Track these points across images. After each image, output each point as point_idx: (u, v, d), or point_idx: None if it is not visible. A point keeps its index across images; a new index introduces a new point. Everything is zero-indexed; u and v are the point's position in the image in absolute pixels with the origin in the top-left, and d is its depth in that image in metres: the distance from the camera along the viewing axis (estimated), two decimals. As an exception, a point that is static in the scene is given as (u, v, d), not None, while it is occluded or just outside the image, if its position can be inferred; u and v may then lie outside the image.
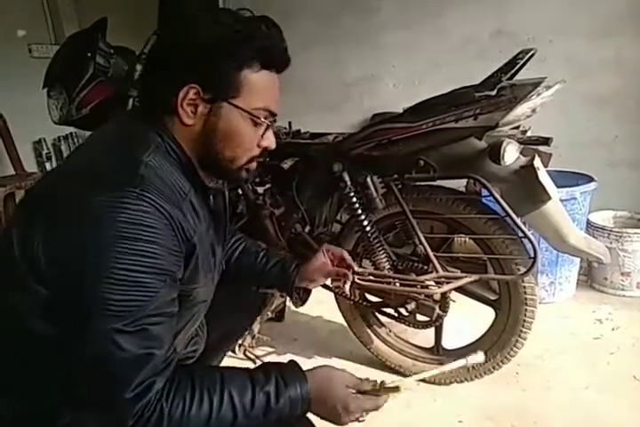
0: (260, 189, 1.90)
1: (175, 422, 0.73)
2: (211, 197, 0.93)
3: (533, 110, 1.31)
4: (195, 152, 0.85)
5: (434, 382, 1.70)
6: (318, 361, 1.88)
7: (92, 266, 0.69)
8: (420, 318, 1.60)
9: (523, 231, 1.37)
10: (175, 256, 0.76)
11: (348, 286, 1.16)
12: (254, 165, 0.91)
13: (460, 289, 1.55)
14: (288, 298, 1.22)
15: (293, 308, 2.21)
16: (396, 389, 0.85)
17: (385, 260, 1.59)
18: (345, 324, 1.87)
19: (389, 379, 0.89)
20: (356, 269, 1.15)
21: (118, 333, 0.69)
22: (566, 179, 2.16)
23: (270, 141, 0.89)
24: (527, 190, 1.31)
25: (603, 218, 2.42)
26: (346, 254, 1.17)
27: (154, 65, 0.86)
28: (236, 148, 0.85)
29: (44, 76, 1.83)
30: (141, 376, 0.71)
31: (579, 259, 2.25)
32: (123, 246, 0.69)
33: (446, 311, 1.54)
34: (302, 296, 1.23)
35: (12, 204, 2.95)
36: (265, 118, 0.85)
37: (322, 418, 0.86)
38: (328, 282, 1.28)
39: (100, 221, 0.69)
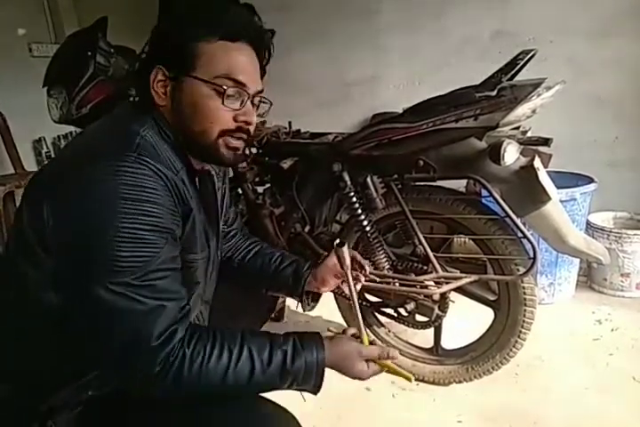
0: (260, 189, 1.90)
1: (195, 370, 0.76)
2: (196, 180, 0.92)
3: (534, 111, 1.31)
4: (176, 132, 0.87)
5: (433, 383, 1.70)
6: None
7: (97, 227, 0.73)
8: (419, 318, 1.60)
9: (522, 232, 1.37)
10: (173, 216, 0.80)
11: (359, 287, 1.12)
12: (238, 143, 0.90)
13: (459, 289, 1.55)
14: (297, 301, 1.19)
15: (293, 308, 2.22)
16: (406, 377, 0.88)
17: (384, 260, 1.59)
18: (344, 324, 1.87)
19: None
20: (368, 269, 1.12)
21: (130, 286, 0.73)
22: (566, 180, 2.17)
23: (248, 116, 0.88)
24: (527, 191, 1.31)
25: (602, 219, 2.42)
26: (358, 256, 1.15)
27: (143, 59, 0.91)
28: (203, 119, 0.86)
29: (44, 75, 1.82)
30: (161, 325, 0.74)
31: (578, 260, 2.25)
32: (125, 207, 0.73)
33: (445, 312, 1.54)
34: (312, 300, 1.19)
35: (11, 203, 2.95)
36: (231, 88, 0.85)
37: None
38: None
39: (102, 184, 0.74)
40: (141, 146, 0.79)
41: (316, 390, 0.85)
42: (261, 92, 0.92)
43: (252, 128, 0.90)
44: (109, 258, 0.72)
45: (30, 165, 3.39)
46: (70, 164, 0.81)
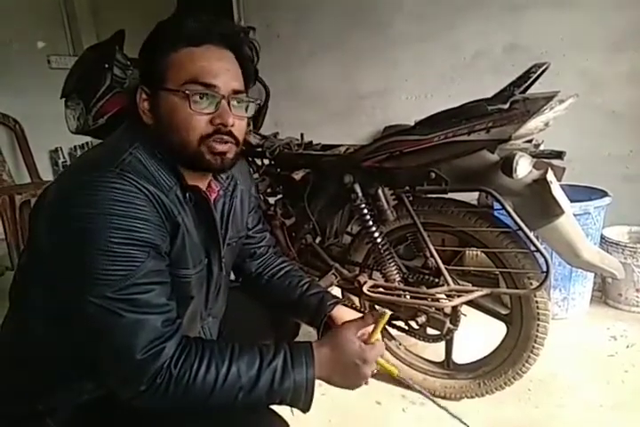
0: (272, 200, 1.91)
1: (180, 389, 0.76)
2: (187, 195, 0.90)
3: (546, 124, 1.31)
4: (165, 149, 0.87)
5: (444, 397, 1.68)
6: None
7: (76, 240, 0.75)
8: (430, 331, 1.58)
9: (535, 245, 1.35)
10: (159, 231, 0.80)
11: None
12: (223, 147, 0.86)
13: (471, 303, 1.54)
14: (316, 332, 1.14)
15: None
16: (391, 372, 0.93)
17: (395, 272, 1.58)
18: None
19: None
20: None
21: (109, 300, 0.74)
22: (580, 193, 2.15)
23: (223, 118, 0.84)
24: (540, 204, 1.30)
25: (617, 233, 2.39)
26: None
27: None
28: (179, 129, 0.85)
29: (62, 86, 1.86)
30: (145, 339, 0.75)
31: (593, 274, 2.22)
32: (104, 221, 0.74)
33: (457, 325, 1.52)
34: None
35: (27, 211, 2.99)
36: (197, 92, 0.83)
37: (341, 386, 0.88)
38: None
39: (81, 198, 0.75)
40: (126, 161, 0.80)
41: (306, 408, 0.84)
42: (241, 91, 0.88)
43: (234, 130, 0.87)
44: (89, 271, 0.74)
45: (47, 174, 3.45)
46: (61, 179, 0.84)
